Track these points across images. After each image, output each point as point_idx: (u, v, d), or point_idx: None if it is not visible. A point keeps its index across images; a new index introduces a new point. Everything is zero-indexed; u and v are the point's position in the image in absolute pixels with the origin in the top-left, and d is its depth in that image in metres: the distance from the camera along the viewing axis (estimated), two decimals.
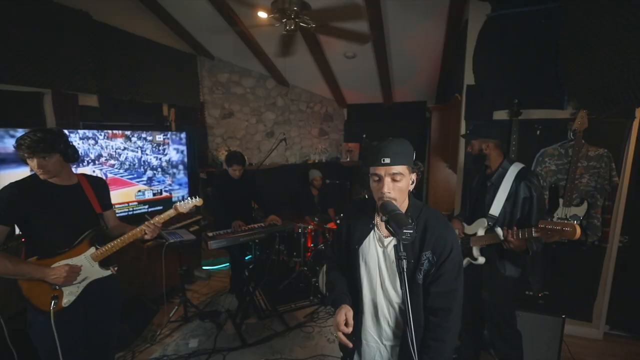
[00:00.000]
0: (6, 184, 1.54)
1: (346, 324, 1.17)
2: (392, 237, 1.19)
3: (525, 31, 2.48)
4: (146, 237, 1.76)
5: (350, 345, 1.19)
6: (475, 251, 2.04)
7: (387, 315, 1.25)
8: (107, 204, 1.84)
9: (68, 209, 1.63)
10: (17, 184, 1.54)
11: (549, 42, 2.39)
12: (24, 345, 1.95)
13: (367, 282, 1.26)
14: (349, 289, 1.30)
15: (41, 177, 1.57)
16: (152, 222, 1.76)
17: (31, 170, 1.56)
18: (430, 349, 1.15)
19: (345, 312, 1.19)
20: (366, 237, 1.25)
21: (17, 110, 2.58)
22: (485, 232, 2.00)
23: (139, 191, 3.29)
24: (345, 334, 1.20)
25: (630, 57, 1.72)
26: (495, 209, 1.95)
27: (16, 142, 1.50)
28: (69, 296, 1.61)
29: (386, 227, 1.05)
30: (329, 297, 1.32)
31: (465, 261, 2.12)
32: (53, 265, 1.57)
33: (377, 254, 1.23)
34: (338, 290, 1.30)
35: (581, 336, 2.66)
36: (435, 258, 1.14)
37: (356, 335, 1.29)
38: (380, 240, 1.22)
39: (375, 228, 1.25)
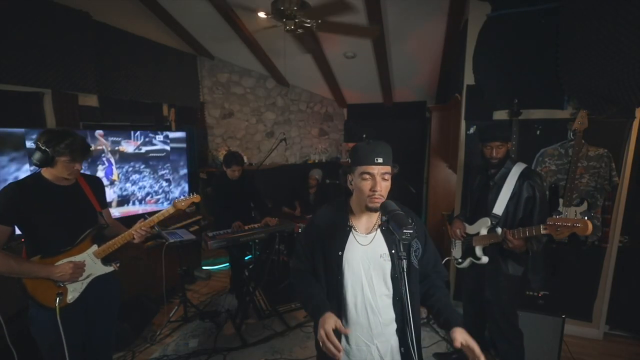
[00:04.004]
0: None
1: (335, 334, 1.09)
2: (373, 233, 1.23)
3: (525, 31, 2.48)
4: (134, 241, 1.75)
5: (340, 356, 1.08)
6: (478, 251, 2.04)
7: (378, 312, 1.23)
8: (104, 203, 1.86)
9: (70, 208, 1.63)
10: (18, 184, 1.55)
11: (549, 42, 2.39)
12: (24, 345, 1.95)
13: (351, 285, 1.23)
14: (329, 296, 1.26)
15: (69, 177, 1.60)
16: (139, 226, 1.74)
17: (31, 169, 1.56)
18: (440, 288, 1.29)
19: (335, 321, 1.12)
20: (346, 240, 1.24)
21: (17, 110, 2.58)
22: (488, 232, 2.01)
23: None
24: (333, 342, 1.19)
25: (630, 57, 1.72)
26: (499, 208, 1.96)
27: (65, 145, 1.50)
28: (73, 292, 1.63)
29: (386, 227, 1.05)
30: (308, 307, 1.26)
31: (468, 261, 2.12)
32: (57, 264, 1.58)
33: (360, 254, 1.23)
34: (319, 299, 1.22)
35: (581, 336, 2.66)
36: (419, 243, 1.26)
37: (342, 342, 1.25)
38: (361, 239, 1.24)
39: (353, 229, 1.25)
